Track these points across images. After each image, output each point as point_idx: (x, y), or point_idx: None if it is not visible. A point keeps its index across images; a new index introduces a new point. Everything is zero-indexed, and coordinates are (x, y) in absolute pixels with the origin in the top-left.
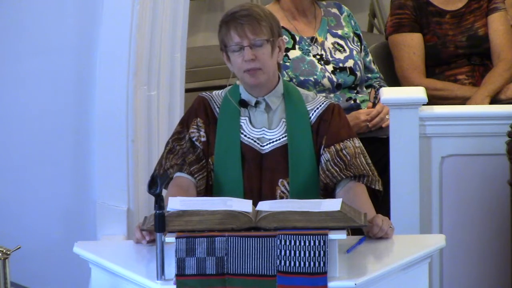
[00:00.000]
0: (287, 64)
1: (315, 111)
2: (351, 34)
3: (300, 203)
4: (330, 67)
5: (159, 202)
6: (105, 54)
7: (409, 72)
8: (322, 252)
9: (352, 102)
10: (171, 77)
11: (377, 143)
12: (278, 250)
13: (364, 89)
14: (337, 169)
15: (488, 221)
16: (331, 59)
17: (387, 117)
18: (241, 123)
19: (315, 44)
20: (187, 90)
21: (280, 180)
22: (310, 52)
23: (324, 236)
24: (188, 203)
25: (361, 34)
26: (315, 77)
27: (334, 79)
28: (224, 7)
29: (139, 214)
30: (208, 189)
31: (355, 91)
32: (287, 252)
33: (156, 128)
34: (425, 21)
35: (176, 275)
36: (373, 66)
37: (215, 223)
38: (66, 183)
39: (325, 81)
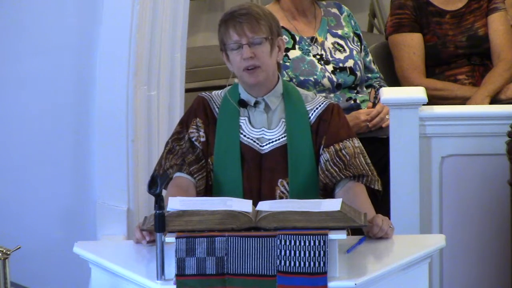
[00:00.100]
0: (287, 64)
1: (314, 111)
2: (351, 34)
3: (300, 203)
4: (330, 67)
5: (159, 202)
6: (105, 54)
7: (409, 72)
8: (322, 252)
9: (352, 102)
10: (171, 77)
11: (377, 143)
12: (278, 250)
13: (364, 89)
14: (337, 169)
15: (488, 221)
16: (331, 59)
17: (387, 117)
18: (241, 123)
19: (315, 44)
20: (187, 90)
21: (280, 180)
22: (310, 52)
23: (324, 236)
24: (188, 203)
25: (361, 34)
26: (315, 77)
27: (334, 79)
28: (224, 7)
29: (139, 214)
30: (207, 189)
31: (355, 91)
32: (287, 252)
33: (156, 128)
34: (425, 21)
35: (176, 275)
36: (373, 66)
37: (215, 223)
38: (66, 183)
39: (325, 81)
